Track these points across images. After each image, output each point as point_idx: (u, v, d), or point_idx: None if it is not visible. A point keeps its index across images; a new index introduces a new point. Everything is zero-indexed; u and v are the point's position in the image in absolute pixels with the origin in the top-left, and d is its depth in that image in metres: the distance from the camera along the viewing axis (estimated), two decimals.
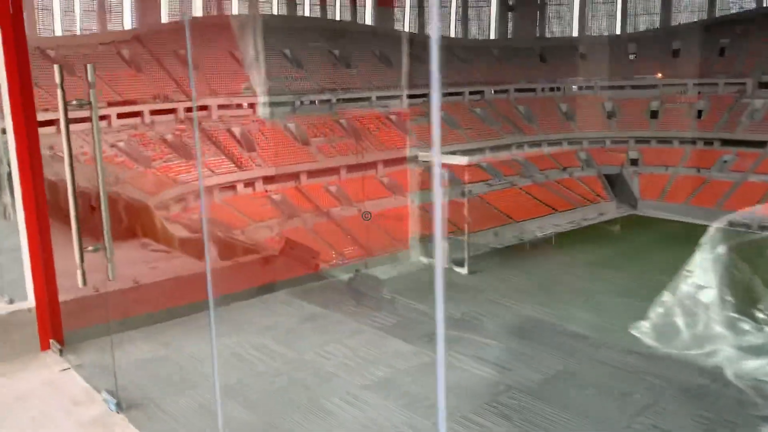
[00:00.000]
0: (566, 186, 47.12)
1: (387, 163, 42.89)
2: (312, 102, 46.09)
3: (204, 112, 40.32)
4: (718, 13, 56.72)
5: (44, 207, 4.70)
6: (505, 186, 45.20)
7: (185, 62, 40.56)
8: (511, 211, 42.12)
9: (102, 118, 34.09)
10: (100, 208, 3.99)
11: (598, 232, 40.96)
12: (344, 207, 38.27)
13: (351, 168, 42.30)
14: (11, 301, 5.53)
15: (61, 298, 5.02)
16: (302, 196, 38.69)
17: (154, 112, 38.33)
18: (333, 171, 41.27)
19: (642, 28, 59.60)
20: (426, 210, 30.62)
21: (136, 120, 37.58)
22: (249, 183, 38.13)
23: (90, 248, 4.01)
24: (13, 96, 4.32)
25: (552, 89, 55.77)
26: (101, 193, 3.92)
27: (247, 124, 41.31)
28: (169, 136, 36.99)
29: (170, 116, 38.67)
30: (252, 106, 42.37)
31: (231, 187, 36.98)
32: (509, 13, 61.38)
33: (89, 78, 3.94)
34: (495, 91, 54.10)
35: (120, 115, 36.48)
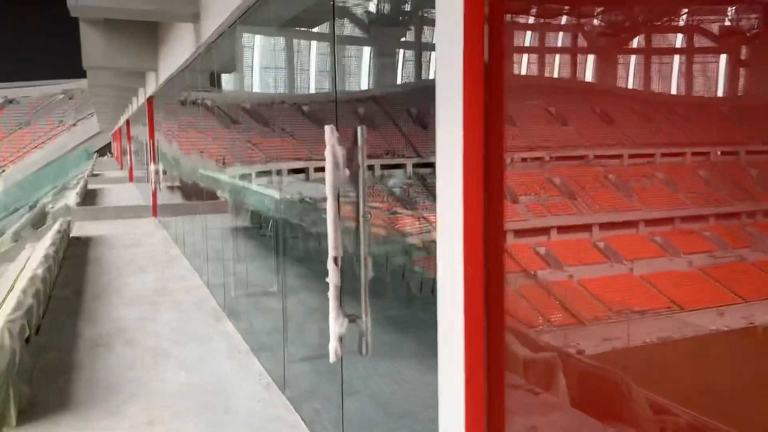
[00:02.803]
0: None
1: (604, 226, 40.59)
2: (523, 159, 45.70)
3: (429, 169, 41.48)
4: None
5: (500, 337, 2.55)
6: (732, 259, 40.92)
7: (416, 121, 42.62)
8: (738, 289, 37.89)
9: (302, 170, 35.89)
10: None
11: None
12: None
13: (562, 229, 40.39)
14: None
15: None
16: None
17: (384, 167, 40.01)
18: (542, 231, 39.80)
19: None
20: None
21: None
22: None
23: None
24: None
25: None
26: None
27: None
28: (396, 190, 38.69)
29: (399, 171, 40.26)
30: None
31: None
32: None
33: None
34: (722, 153, 49.87)
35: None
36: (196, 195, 11.78)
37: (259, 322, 7.37)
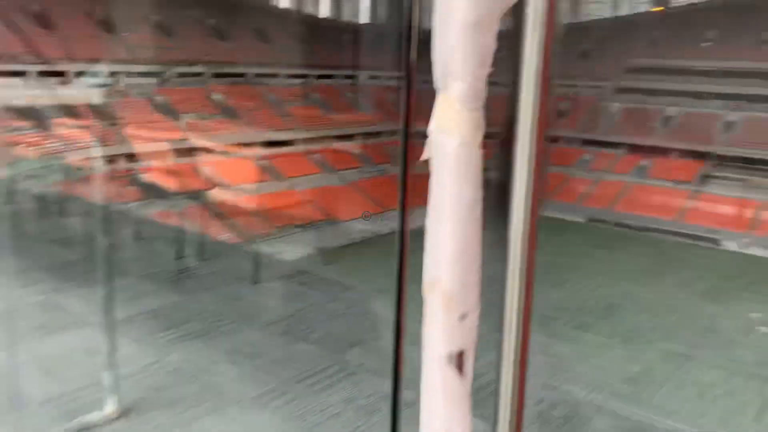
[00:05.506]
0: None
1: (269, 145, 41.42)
2: (182, 75, 43.31)
3: (61, 78, 36.65)
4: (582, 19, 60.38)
5: None
6: (375, 174, 45.51)
7: (38, 19, 36.90)
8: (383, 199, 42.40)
9: None
10: None
11: None
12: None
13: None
14: None
15: None
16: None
17: None
18: (207, 149, 38.92)
19: None
20: None
21: None
22: (112, 160, 35.22)
23: None
24: None
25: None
26: None
27: (111, 94, 38.36)
28: (18, 102, 33.40)
29: (16, 80, 34.13)
30: (115, 74, 39.21)
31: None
32: None
33: None
34: (370, 77, 53.99)
35: None
36: None
37: None
